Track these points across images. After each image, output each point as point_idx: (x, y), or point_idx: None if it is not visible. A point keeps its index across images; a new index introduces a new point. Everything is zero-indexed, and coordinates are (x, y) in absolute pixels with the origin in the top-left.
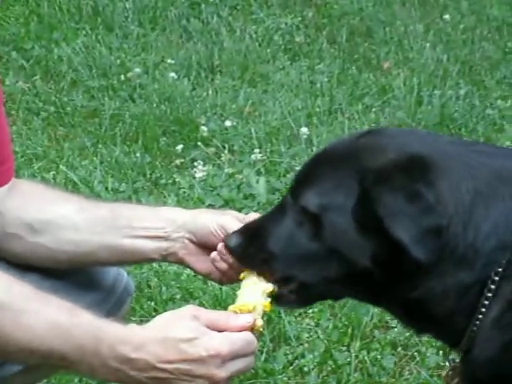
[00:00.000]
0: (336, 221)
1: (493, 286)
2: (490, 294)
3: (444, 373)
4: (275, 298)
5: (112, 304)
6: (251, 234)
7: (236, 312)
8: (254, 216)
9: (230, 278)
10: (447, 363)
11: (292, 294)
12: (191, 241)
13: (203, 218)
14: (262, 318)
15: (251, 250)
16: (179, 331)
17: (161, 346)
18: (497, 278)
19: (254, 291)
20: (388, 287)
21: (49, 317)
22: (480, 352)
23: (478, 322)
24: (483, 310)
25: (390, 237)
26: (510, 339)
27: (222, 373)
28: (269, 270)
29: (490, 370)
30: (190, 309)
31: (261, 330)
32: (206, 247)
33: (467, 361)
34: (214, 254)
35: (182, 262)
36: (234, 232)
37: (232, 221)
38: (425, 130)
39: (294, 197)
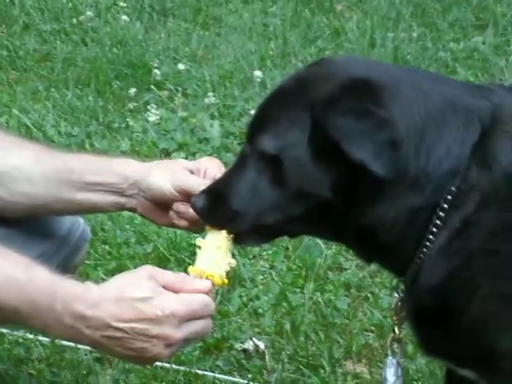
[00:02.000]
0: (295, 158)
1: (442, 214)
2: (438, 222)
3: (393, 303)
4: (234, 239)
5: (68, 251)
6: (216, 194)
7: (200, 276)
8: (205, 162)
9: (193, 229)
10: (395, 295)
11: (252, 234)
12: (146, 199)
13: (155, 178)
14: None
15: (217, 210)
16: (135, 291)
17: (116, 304)
18: (446, 206)
19: (217, 259)
20: (344, 217)
21: (5, 270)
22: (426, 279)
23: (425, 250)
24: (431, 237)
25: (348, 159)
26: (455, 267)
27: (177, 333)
28: (235, 225)
29: (435, 297)
30: (146, 269)
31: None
32: (162, 204)
33: (413, 290)
34: (171, 213)
35: (140, 216)
36: (200, 193)
37: (185, 177)
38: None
39: (250, 143)
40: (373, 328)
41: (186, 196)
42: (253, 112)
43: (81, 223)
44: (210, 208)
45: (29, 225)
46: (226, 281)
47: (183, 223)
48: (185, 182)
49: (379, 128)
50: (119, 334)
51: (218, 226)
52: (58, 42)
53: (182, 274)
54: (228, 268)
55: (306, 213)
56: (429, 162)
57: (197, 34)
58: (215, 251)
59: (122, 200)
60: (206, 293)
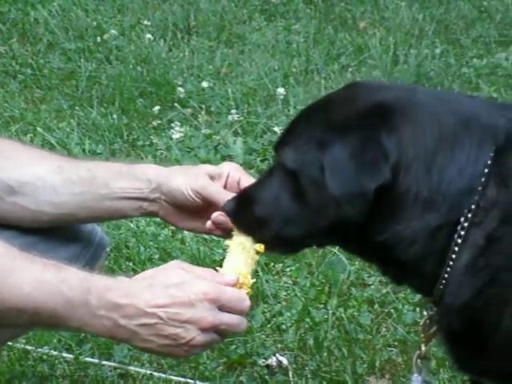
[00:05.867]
0: (311, 175)
1: (462, 232)
2: (459, 240)
3: (421, 322)
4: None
5: (87, 258)
6: (244, 200)
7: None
8: (227, 166)
9: (225, 237)
10: (424, 313)
11: (277, 244)
12: (168, 203)
13: (177, 182)
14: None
15: (244, 215)
16: (167, 278)
17: (149, 290)
18: (466, 224)
19: (244, 258)
20: (363, 235)
21: (35, 274)
22: (453, 299)
23: (448, 269)
24: (453, 256)
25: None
26: (483, 284)
27: (209, 317)
28: (260, 233)
29: (465, 316)
30: (175, 262)
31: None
32: (183, 208)
33: (442, 309)
34: (209, 223)
35: (162, 220)
36: (232, 198)
37: (204, 184)
38: (403, 83)
39: (276, 154)
40: (396, 343)
41: (206, 202)
42: (276, 129)
43: (98, 230)
44: (238, 212)
45: (49, 232)
46: (253, 281)
47: (218, 232)
48: (204, 188)
49: (366, 172)
50: (153, 320)
51: (245, 229)
52: (82, 61)
53: (210, 269)
54: (254, 266)
55: (325, 228)
56: (442, 181)
57: (220, 52)
58: (242, 251)
59: (145, 204)
60: (234, 285)
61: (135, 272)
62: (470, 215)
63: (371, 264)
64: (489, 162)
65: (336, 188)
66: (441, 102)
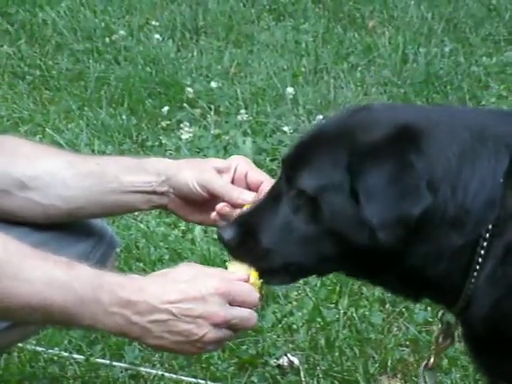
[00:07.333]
0: (334, 202)
1: (485, 244)
2: (482, 252)
3: (435, 333)
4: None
5: (98, 256)
6: (246, 228)
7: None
8: (235, 160)
9: None
10: (439, 324)
11: (284, 274)
12: (176, 196)
13: (184, 176)
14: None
15: (247, 246)
16: (178, 274)
17: (161, 287)
18: (488, 236)
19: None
20: (384, 259)
21: (47, 271)
22: (477, 309)
23: (473, 280)
24: (477, 267)
25: (361, 212)
26: (502, 293)
27: (221, 311)
28: (265, 265)
29: (488, 324)
30: (186, 263)
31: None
32: (191, 201)
33: (466, 320)
34: (214, 214)
35: (171, 212)
36: (229, 225)
37: (212, 177)
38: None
39: (288, 180)
40: (408, 343)
41: (212, 195)
42: (285, 128)
43: (109, 230)
44: (240, 243)
45: (61, 229)
46: (261, 281)
47: (223, 224)
48: (209, 182)
49: (404, 198)
50: (166, 317)
51: (247, 262)
52: (90, 61)
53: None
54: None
55: (342, 254)
56: (466, 198)
57: (229, 52)
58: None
59: (154, 198)
60: (246, 281)
61: (145, 273)
62: (491, 227)
63: (379, 286)
64: (505, 172)
65: (375, 214)
66: (453, 118)
